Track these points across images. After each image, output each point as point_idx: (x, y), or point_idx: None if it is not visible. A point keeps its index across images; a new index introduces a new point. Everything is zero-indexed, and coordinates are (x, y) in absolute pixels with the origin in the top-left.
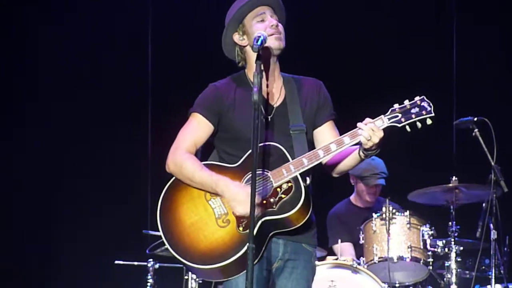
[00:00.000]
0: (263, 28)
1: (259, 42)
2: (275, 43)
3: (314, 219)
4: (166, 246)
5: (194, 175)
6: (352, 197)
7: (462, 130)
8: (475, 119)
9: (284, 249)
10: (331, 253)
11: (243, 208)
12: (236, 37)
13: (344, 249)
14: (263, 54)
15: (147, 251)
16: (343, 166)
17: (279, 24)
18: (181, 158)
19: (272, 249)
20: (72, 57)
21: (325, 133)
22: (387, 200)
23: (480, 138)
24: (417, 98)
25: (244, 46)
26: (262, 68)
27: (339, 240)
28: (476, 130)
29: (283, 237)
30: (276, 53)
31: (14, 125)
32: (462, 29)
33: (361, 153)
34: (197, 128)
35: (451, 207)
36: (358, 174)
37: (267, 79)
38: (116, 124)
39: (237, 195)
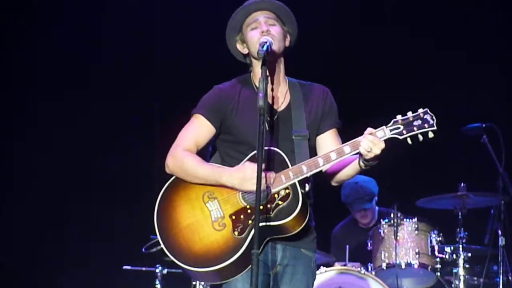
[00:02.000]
0: (256, 35)
1: (264, 48)
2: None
3: (313, 225)
4: (161, 246)
5: (196, 170)
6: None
7: (470, 137)
8: (483, 125)
9: (283, 254)
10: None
11: (254, 183)
12: (238, 46)
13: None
14: (267, 59)
15: (143, 250)
16: (343, 175)
17: (272, 28)
18: (181, 155)
19: (271, 254)
20: (75, 69)
21: (328, 141)
22: (395, 207)
23: (488, 145)
24: (420, 111)
25: (246, 54)
26: (268, 73)
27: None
28: (484, 136)
29: (282, 242)
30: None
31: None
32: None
33: (361, 163)
34: (198, 129)
35: (459, 213)
36: (343, 201)
37: (272, 83)
38: (125, 133)
39: (244, 175)
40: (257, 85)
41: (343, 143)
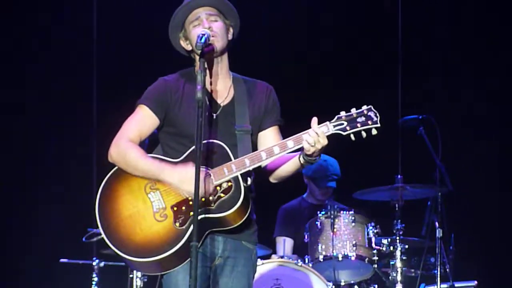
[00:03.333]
0: (198, 32)
1: (202, 40)
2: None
3: (254, 217)
4: (101, 236)
5: (138, 163)
6: (305, 195)
7: (407, 128)
8: (420, 117)
9: (224, 247)
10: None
11: (188, 185)
12: (182, 43)
13: (284, 246)
14: (207, 52)
15: (83, 239)
16: (282, 171)
17: (214, 24)
18: (125, 146)
19: (211, 246)
20: (15, 58)
21: (269, 138)
22: (331, 200)
23: (425, 136)
24: (364, 108)
25: (190, 50)
26: (206, 66)
27: (284, 237)
28: (421, 128)
29: (223, 235)
30: (212, 57)
31: None
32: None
33: (301, 159)
34: (142, 120)
35: (396, 205)
36: (309, 175)
37: (211, 77)
38: (61, 124)
39: (184, 176)
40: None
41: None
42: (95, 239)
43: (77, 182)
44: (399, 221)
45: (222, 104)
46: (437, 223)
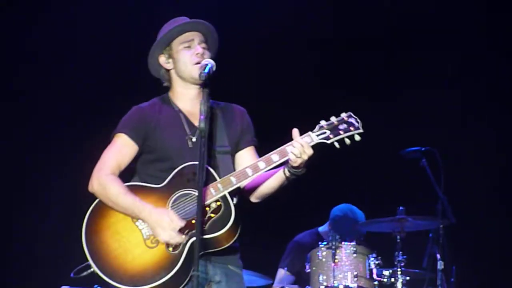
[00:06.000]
0: (189, 55)
1: (206, 70)
2: (197, 72)
3: (237, 245)
4: (92, 269)
5: (118, 199)
6: (321, 229)
7: (409, 160)
8: (423, 149)
9: (214, 271)
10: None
11: (167, 235)
12: (162, 59)
13: (284, 279)
14: (185, 79)
15: (71, 275)
16: (266, 188)
17: (206, 53)
18: (106, 179)
19: (202, 271)
20: None
21: (247, 157)
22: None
23: (427, 168)
24: (343, 115)
25: (169, 70)
26: (204, 95)
27: (285, 270)
28: (423, 160)
29: (211, 259)
30: (197, 82)
31: None
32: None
33: (286, 172)
34: (122, 149)
35: (398, 237)
36: (338, 219)
37: (190, 102)
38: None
39: (160, 222)
40: (176, 103)
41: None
42: (84, 273)
43: (81, 208)
44: (401, 252)
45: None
46: (438, 255)
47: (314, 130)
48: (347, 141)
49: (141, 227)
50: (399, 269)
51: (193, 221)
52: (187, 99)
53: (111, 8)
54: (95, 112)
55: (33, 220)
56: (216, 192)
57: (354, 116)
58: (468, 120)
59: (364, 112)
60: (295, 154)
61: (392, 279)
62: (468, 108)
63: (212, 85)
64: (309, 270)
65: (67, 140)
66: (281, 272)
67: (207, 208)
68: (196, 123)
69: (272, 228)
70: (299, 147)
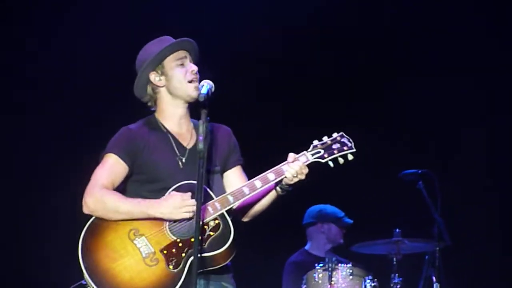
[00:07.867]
0: (184, 72)
1: (205, 91)
2: (194, 92)
3: (230, 264)
4: None
5: (118, 205)
6: (308, 247)
7: (406, 182)
8: (420, 171)
9: None
10: None
11: (189, 208)
12: (153, 77)
13: None
14: (179, 97)
15: None
16: (260, 206)
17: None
18: (101, 193)
19: None
20: None
21: (234, 177)
22: (330, 252)
23: (424, 191)
24: (335, 135)
25: (160, 87)
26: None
27: None
28: (420, 182)
29: (205, 277)
30: (189, 100)
31: None
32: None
33: (278, 189)
34: (112, 168)
35: (394, 259)
36: (332, 217)
37: (178, 121)
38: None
39: (173, 203)
40: (164, 124)
41: (249, 179)
42: None
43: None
44: (397, 275)
45: (188, 147)
46: (434, 278)
47: (309, 150)
48: (341, 160)
49: (139, 245)
50: None
51: (192, 239)
52: (175, 119)
53: (110, 26)
54: (107, 114)
55: (40, 224)
56: (214, 210)
57: (346, 136)
58: (463, 142)
59: (359, 133)
60: (291, 174)
61: None
62: (466, 127)
63: (211, 106)
64: None
65: (79, 141)
66: None
67: (206, 227)
68: (185, 144)
69: (266, 249)
70: (295, 166)
